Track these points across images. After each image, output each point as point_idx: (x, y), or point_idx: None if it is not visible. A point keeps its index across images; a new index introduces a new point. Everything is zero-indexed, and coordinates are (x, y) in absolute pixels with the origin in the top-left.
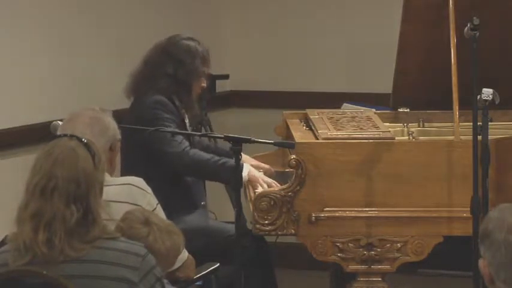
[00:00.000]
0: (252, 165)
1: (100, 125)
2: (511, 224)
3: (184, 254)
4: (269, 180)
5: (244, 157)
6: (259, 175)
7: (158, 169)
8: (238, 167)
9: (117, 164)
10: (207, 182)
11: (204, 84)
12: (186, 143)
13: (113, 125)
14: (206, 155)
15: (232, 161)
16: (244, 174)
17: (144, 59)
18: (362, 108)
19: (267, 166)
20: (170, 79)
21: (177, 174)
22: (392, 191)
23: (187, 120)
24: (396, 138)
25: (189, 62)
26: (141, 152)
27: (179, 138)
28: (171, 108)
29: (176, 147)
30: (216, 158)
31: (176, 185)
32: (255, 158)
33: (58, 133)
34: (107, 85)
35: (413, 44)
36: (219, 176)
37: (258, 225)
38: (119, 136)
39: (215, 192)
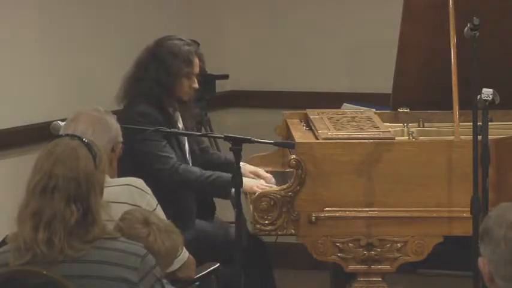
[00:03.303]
0: (250, 172)
1: (103, 125)
2: (511, 220)
3: (185, 254)
4: (264, 186)
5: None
6: (254, 184)
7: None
8: (239, 167)
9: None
10: None
11: (195, 85)
12: (175, 159)
13: (115, 126)
14: (196, 172)
15: (223, 176)
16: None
17: (134, 62)
18: (362, 108)
19: (267, 175)
20: (152, 82)
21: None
22: (392, 191)
23: (181, 125)
24: (396, 138)
25: (170, 63)
26: (129, 159)
27: (168, 152)
28: (155, 118)
29: (165, 164)
30: (207, 174)
31: (169, 192)
32: (254, 158)
33: (61, 131)
34: (107, 85)
35: (413, 44)
36: (209, 193)
37: (258, 225)
38: (121, 138)
39: None
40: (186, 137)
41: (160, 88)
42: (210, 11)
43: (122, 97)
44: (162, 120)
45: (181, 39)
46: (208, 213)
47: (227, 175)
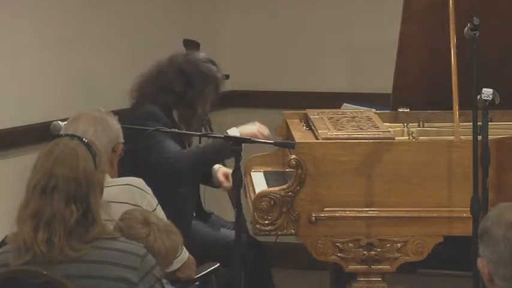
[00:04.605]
0: (224, 172)
1: (103, 126)
2: (510, 220)
3: (185, 255)
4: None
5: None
6: (254, 129)
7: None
8: (239, 168)
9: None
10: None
11: (208, 108)
12: (178, 147)
13: (116, 127)
14: (194, 147)
15: (215, 141)
16: (235, 134)
17: (157, 67)
18: (362, 108)
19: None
20: (176, 96)
21: (166, 185)
22: (392, 191)
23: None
24: (396, 138)
25: (201, 87)
26: (130, 162)
27: (170, 143)
28: (162, 119)
29: (171, 152)
30: (201, 144)
31: (168, 195)
32: (254, 158)
33: (62, 131)
34: (106, 85)
35: (413, 44)
36: (205, 159)
37: (258, 225)
38: (121, 139)
39: (215, 192)
40: (187, 144)
41: (183, 104)
42: (209, 11)
43: (135, 95)
44: (171, 125)
45: (213, 62)
46: (205, 216)
47: (219, 141)
